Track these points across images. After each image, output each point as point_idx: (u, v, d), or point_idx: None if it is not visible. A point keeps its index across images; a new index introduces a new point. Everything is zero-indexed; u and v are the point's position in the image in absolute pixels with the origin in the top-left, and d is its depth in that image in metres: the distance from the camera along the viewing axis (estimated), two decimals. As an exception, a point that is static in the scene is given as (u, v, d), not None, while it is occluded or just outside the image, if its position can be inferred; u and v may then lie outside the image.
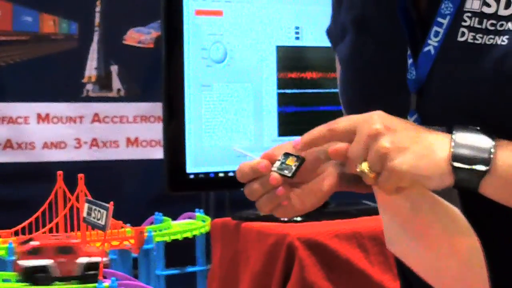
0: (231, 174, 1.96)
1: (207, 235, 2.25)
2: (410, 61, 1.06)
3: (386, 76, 1.10)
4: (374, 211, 2.00)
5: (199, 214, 2.44)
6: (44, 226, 2.05)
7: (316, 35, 2.03)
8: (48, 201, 2.07)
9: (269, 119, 1.99)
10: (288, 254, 1.81)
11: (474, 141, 0.95)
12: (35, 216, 2.07)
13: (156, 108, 3.39)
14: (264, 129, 1.98)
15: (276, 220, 1.93)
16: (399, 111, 1.01)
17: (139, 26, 3.48)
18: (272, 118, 1.99)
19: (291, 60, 2.03)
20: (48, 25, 3.39)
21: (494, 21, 0.99)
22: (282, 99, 2.00)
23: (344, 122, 0.97)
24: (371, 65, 1.12)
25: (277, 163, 1.03)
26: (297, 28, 2.02)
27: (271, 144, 1.98)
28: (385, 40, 1.10)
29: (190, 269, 2.43)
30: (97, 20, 3.44)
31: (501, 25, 0.99)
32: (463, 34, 1.01)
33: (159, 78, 1.99)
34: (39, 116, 3.37)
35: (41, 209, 2.07)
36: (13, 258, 1.99)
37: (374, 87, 1.12)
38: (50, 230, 2.05)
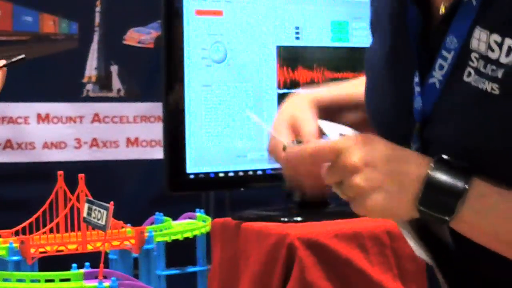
0: (231, 174, 1.96)
1: (208, 235, 2.25)
2: (417, 89, 1.04)
3: (395, 101, 1.09)
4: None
5: (199, 214, 2.44)
6: (44, 226, 2.06)
7: (316, 35, 2.03)
8: (48, 201, 2.07)
9: (269, 119, 1.99)
10: (288, 254, 1.81)
11: (446, 183, 0.95)
12: (35, 216, 2.07)
13: (156, 108, 3.39)
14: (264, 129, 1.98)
15: (276, 220, 1.93)
16: (404, 137, 1.01)
17: (139, 26, 3.49)
18: (272, 118, 1.99)
19: (291, 60, 2.03)
20: (48, 25, 3.40)
21: (494, 67, 0.96)
22: (282, 99, 2.00)
23: (328, 150, 0.98)
24: (381, 76, 1.11)
25: None
26: (297, 28, 2.02)
27: (271, 144, 1.99)
28: (394, 59, 1.09)
29: (191, 269, 2.43)
30: (97, 20, 3.44)
31: (496, 72, 0.96)
32: (469, 74, 0.98)
33: (159, 78, 1.99)
34: (39, 116, 3.37)
35: (42, 209, 2.07)
36: (14, 258, 2.00)
37: (382, 110, 1.11)
38: (51, 230, 2.05)
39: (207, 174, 1.94)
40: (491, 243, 0.97)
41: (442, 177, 0.95)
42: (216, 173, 1.95)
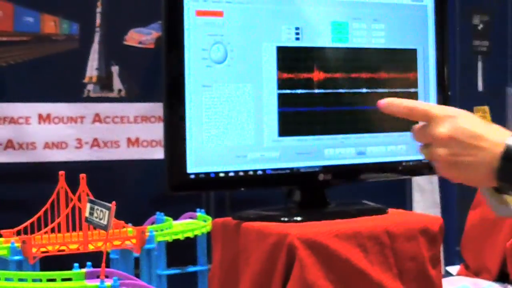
0: (231, 174, 1.96)
1: (208, 235, 2.25)
2: None
3: None
4: (374, 211, 2.01)
5: (200, 214, 2.44)
6: (46, 226, 2.06)
7: (316, 36, 2.04)
8: (50, 201, 2.08)
9: (269, 119, 1.99)
10: (288, 254, 1.81)
11: None
12: (37, 216, 2.08)
13: (156, 108, 3.40)
14: (264, 129, 1.99)
15: (276, 220, 1.93)
16: None
17: (140, 27, 3.49)
18: (272, 118, 1.99)
19: (291, 60, 2.03)
20: (49, 26, 3.40)
21: None
22: (282, 99, 2.00)
23: (421, 112, 1.10)
24: None
25: None
26: (297, 28, 2.03)
27: (271, 144, 1.99)
28: None
29: (191, 268, 2.43)
30: (98, 20, 3.45)
31: None
32: None
33: (160, 78, 1.99)
34: (40, 116, 3.38)
35: (43, 209, 2.08)
36: (16, 258, 2.00)
37: None
38: (52, 230, 2.06)
39: (207, 174, 1.95)
40: None
41: None
42: (217, 173, 1.96)
